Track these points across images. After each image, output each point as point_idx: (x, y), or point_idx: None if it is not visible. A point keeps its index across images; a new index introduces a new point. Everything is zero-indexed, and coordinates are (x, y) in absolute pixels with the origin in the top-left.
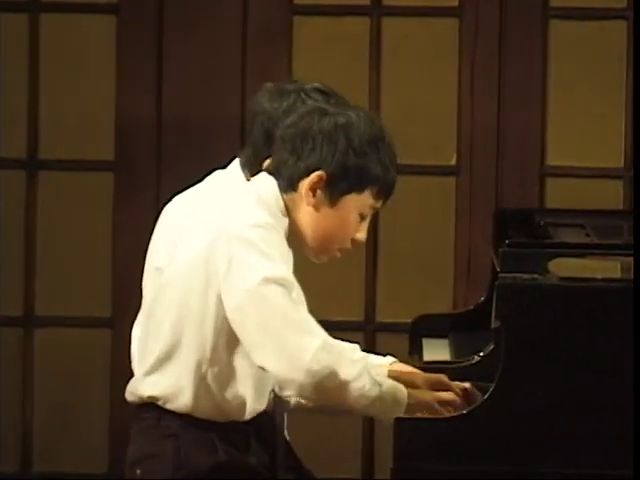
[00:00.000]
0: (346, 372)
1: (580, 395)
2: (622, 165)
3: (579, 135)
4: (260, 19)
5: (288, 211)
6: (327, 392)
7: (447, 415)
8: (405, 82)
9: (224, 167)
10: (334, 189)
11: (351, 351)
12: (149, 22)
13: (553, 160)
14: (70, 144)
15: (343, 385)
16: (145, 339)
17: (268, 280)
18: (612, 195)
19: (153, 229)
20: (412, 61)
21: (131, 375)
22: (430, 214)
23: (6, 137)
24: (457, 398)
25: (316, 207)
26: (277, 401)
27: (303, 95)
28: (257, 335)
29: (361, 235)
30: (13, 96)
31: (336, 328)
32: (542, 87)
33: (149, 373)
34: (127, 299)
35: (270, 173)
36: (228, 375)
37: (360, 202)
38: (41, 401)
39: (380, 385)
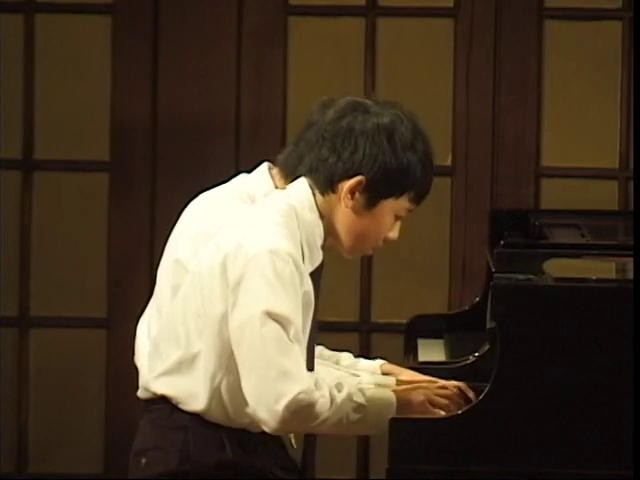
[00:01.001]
0: (321, 417)
1: (576, 395)
2: (617, 166)
3: (574, 136)
4: (255, 19)
5: (323, 212)
6: (300, 431)
7: (441, 415)
8: (400, 83)
9: (248, 171)
10: (373, 194)
11: (333, 387)
12: (144, 23)
13: (548, 161)
14: (65, 145)
15: (316, 427)
16: (162, 337)
17: (267, 314)
18: (607, 196)
19: (149, 230)
20: (407, 62)
21: (128, 374)
22: (425, 214)
23: (1, 137)
24: (448, 401)
25: (354, 210)
26: None
27: None
28: (244, 366)
29: (394, 234)
30: (8, 97)
31: (331, 329)
32: (537, 88)
33: (164, 374)
34: (122, 300)
35: (307, 172)
36: (240, 390)
37: (397, 205)
38: (36, 402)
39: (364, 406)
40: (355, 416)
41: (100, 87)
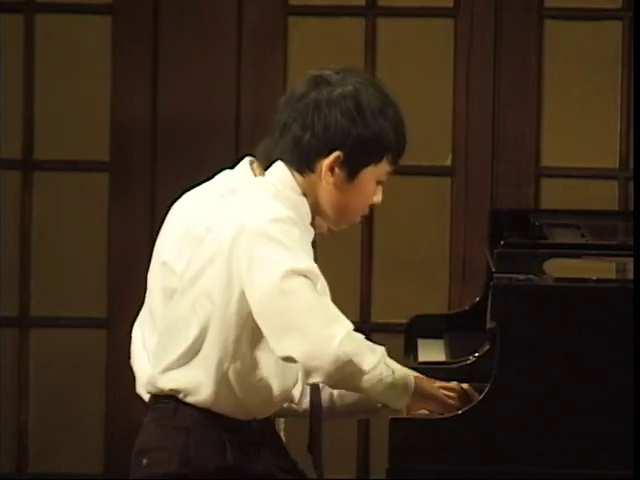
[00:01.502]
0: (368, 360)
1: (576, 395)
2: (617, 166)
3: (574, 136)
4: (255, 20)
5: (305, 191)
6: (350, 378)
7: (445, 414)
8: (400, 83)
9: (231, 167)
10: (352, 166)
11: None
12: (144, 23)
13: (548, 161)
14: (65, 145)
15: (364, 372)
16: (163, 337)
17: (292, 272)
18: (607, 196)
19: (149, 230)
20: (407, 62)
21: (127, 375)
22: (425, 214)
23: (1, 137)
24: (459, 393)
25: (336, 185)
26: (314, 395)
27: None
28: (282, 325)
29: (377, 198)
30: (8, 96)
31: None
32: (537, 88)
33: (170, 368)
34: (123, 300)
35: (283, 155)
36: (250, 371)
37: (377, 171)
38: (36, 401)
39: (393, 372)
40: (387, 379)
41: (100, 87)
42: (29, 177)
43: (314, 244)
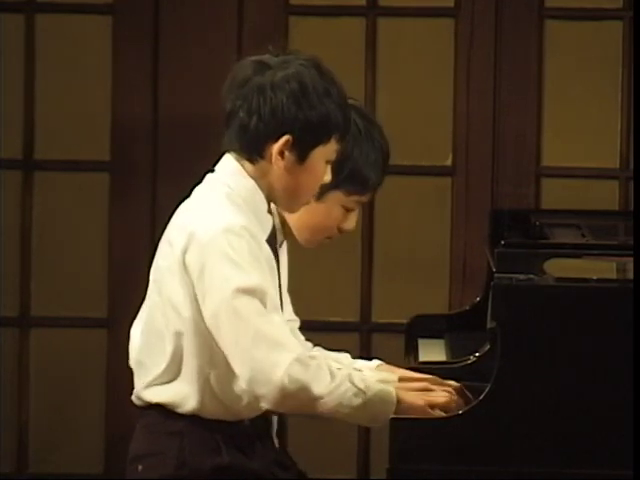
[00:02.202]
0: (322, 386)
1: (576, 395)
2: (618, 165)
3: (575, 135)
4: (255, 19)
5: (257, 178)
6: (301, 406)
7: (441, 415)
8: (401, 83)
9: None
10: (302, 148)
11: (331, 362)
12: (145, 23)
13: (549, 160)
14: (66, 145)
15: (318, 398)
16: (147, 347)
17: (240, 291)
18: (608, 195)
19: (149, 229)
20: (408, 61)
21: (128, 374)
22: (426, 214)
23: (2, 137)
24: (450, 401)
25: (286, 169)
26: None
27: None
28: (230, 348)
29: (327, 177)
30: (9, 96)
31: (332, 329)
32: (538, 87)
33: (153, 384)
34: (123, 300)
35: (231, 143)
36: (232, 376)
37: (326, 150)
38: (37, 402)
39: (364, 393)
40: (355, 400)
41: (100, 87)
42: (29, 177)
43: (273, 237)
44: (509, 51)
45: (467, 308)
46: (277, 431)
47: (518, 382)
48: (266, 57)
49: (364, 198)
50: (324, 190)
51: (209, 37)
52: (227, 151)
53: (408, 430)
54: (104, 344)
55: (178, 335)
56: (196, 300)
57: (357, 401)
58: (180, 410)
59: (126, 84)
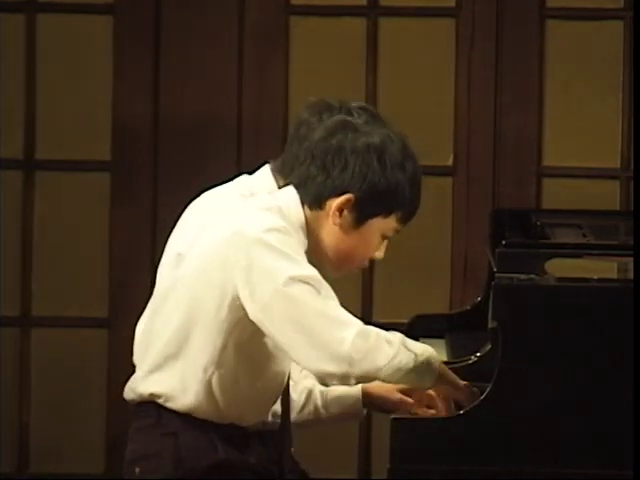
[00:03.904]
0: (384, 354)
1: (577, 395)
2: (619, 165)
3: (576, 135)
4: (257, 19)
5: (310, 227)
6: (368, 375)
7: (445, 415)
8: (402, 82)
9: (250, 172)
10: (361, 212)
11: (385, 332)
12: (146, 23)
13: (550, 160)
14: (67, 144)
15: (380, 367)
16: (150, 334)
17: (294, 279)
18: (609, 195)
19: (150, 229)
20: (409, 61)
21: (129, 374)
22: (427, 214)
23: (3, 137)
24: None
25: (341, 227)
26: (284, 401)
27: (346, 112)
28: (290, 333)
29: (379, 254)
30: (10, 96)
31: None
32: (539, 87)
33: (152, 371)
34: (124, 300)
35: (296, 186)
36: (233, 380)
37: (385, 225)
38: (38, 401)
39: (416, 356)
40: (409, 364)
41: (101, 87)
42: (31, 177)
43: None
44: (510, 51)
45: (468, 308)
46: (276, 431)
47: (519, 382)
48: (356, 119)
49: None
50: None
51: (210, 37)
52: (267, 162)
53: (409, 430)
54: (105, 344)
55: (189, 324)
56: (224, 297)
57: (410, 366)
58: (173, 405)
59: (127, 84)
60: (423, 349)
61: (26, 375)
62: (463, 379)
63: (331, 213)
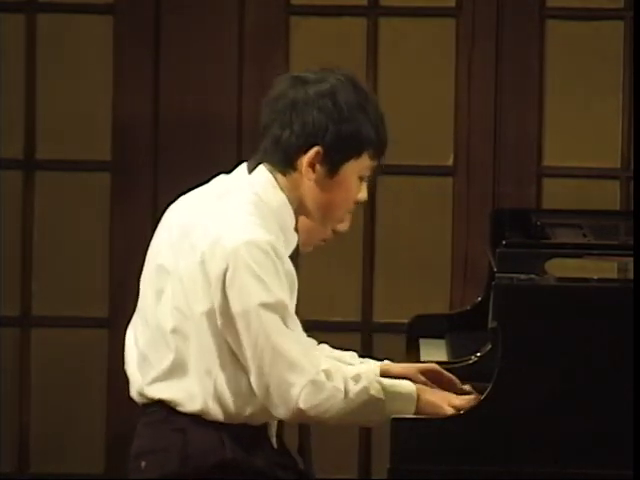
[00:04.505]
0: (336, 407)
1: (577, 395)
2: (619, 165)
3: (576, 135)
4: (257, 19)
5: (289, 192)
6: (316, 423)
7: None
8: (402, 82)
9: (228, 172)
10: (332, 161)
11: (350, 379)
12: (146, 23)
13: (550, 160)
14: (67, 144)
15: (333, 418)
16: (150, 345)
17: (262, 306)
18: (609, 195)
19: (150, 229)
20: (409, 61)
21: (127, 377)
22: (427, 214)
23: (3, 137)
24: (467, 404)
25: (317, 182)
26: None
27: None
28: (249, 363)
29: (362, 195)
30: (10, 96)
31: (333, 329)
32: (539, 87)
33: (158, 380)
34: (124, 299)
35: (265, 155)
36: (238, 381)
37: (359, 166)
38: (38, 401)
39: (383, 401)
40: (374, 409)
41: (101, 87)
42: (31, 177)
43: (296, 253)
44: (510, 51)
45: (468, 308)
46: (277, 431)
47: (519, 382)
48: (305, 73)
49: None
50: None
51: (210, 37)
52: (263, 162)
53: (409, 430)
54: (105, 344)
55: (187, 334)
56: (212, 304)
57: (376, 409)
58: (183, 409)
59: (127, 84)
60: (396, 392)
61: (26, 375)
62: (464, 379)
63: (304, 170)
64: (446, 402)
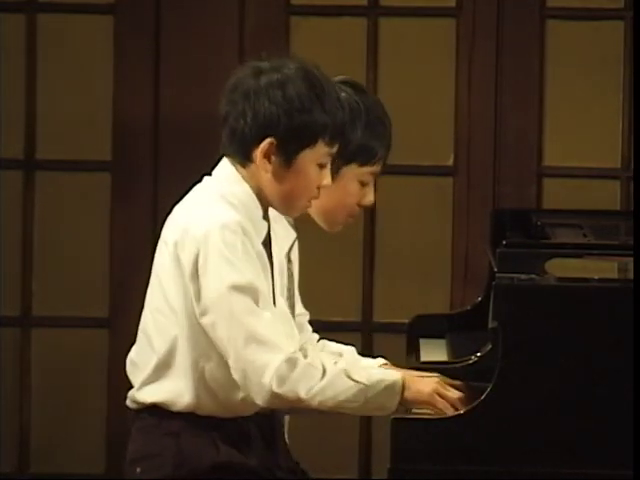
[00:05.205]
0: (311, 383)
1: (578, 395)
2: (619, 165)
3: (576, 135)
4: (257, 19)
5: (251, 182)
6: (292, 404)
7: (445, 413)
8: (402, 82)
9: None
10: (287, 151)
11: (328, 357)
12: (146, 23)
13: (550, 160)
14: (67, 144)
15: (309, 397)
16: (137, 350)
17: (233, 288)
18: (609, 195)
19: (150, 229)
20: (409, 61)
21: (127, 377)
22: (427, 214)
23: (3, 137)
24: (458, 399)
25: (274, 173)
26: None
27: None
28: (223, 345)
29: (326, 182)
30: (10, 96)
31: (333, 328)
32: (539, 87)
33: (145, 384)
34: (124, 299)
35: (225, 148)
36: (225, 370)
37: (315, 154)
38: (38, 401)
39: (365, 384)
40: (354, 393)
41: (102, 87)
42: (31, 177)
43: (267, 241)
44: (510, 51)
45: (468, 308)
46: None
47: (519, 382)
48: (261, 62)
49: (376, 168)
50: (336, 169)
51: (210, 37)
52: (224, 155)
53: (409, 430)
54: (105, 344)
55: (169, 331)
56: (188, 295)
57: (356, 394)
58: (175, 408)
59: (127, 84)
60: (377, 378)
61: (26, 375)
62: (464, 379)
63: (260, 162)
64: (435, 392)
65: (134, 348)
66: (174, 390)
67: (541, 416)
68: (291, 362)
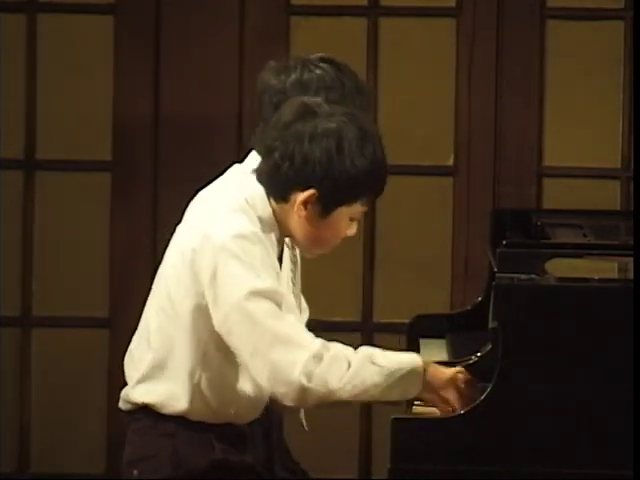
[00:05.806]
0: (339, 375)
1: (578, 395)
2: (619, 165)
3: (576, 135)
4: (257, 19)
5: (277, 217)
6: (323, 399)
7: (448, 414)
8: (402, 82)
9: (240, 161)
10: (326, 205)
11: (349, 351)
12: (146, 22)
13: (550, 160)
14: (67, 144)
15: (338, 389)
16: (136, 343)
17: (254, 294)
18: (609, 195)
19: (151, 229)
20: (409, 61)
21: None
22: (427, 214)
23: (3, 137)
24: (467, 395)
25: (307, 219)
26: (272, 401)
27: (310, 65)
28: (247, 351)
29: (351, 232)
30: (10, 96)
31: (333, 329)
32: (539, 87)
33: (142, 381)
34: (125, 300)
35: (261, 180)
36: (222, 380)
37: (351, 210)
38: (38, 401)
39: (389, 369)
40: (380, 379)
41: (102, 87)
42: (31, 177)
43: (280, 258)
44: (511, 51)
45: (468, 308)
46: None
47: (519, 382)
48: (315, 101)
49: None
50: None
51: (210, 37)
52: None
53: (410, 430)
54: (106, 344)
55: (168, 332)
56: (198, 301)
57: (382, 379)
58: (167, 411)
59: (127, 84)
60: (400, 361)
61: (27, 375)
62: None
63: (296, 208)
64: (454, 380)
65: (134, 338)
66: (167, 393)
67: (541, 416)
68: (317, 357)
